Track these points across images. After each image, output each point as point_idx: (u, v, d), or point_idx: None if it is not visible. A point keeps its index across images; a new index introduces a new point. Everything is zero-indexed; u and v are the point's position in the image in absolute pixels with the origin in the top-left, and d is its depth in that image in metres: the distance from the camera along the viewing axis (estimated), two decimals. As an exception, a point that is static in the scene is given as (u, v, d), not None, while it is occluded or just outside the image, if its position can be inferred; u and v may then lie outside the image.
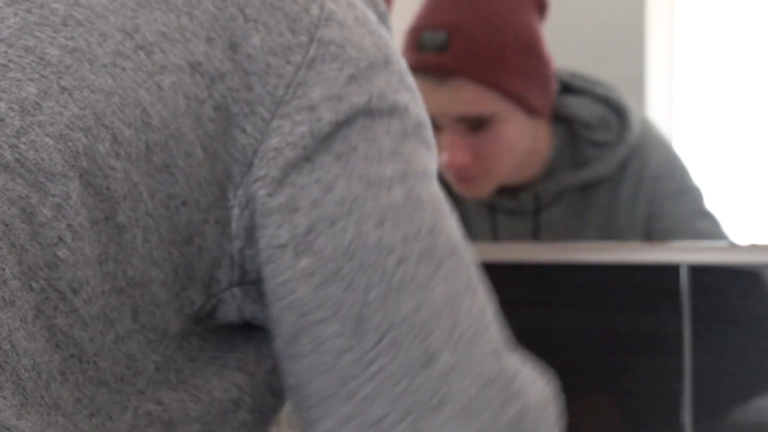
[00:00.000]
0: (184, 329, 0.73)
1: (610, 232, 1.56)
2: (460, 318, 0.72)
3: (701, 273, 1.46)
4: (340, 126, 0.72)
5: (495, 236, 1.60)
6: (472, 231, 1.56)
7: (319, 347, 0.72)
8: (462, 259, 0.75)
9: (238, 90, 0.71)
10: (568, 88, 1.58)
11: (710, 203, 1.65)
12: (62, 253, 0.65)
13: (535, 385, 0.75)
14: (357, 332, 0.71)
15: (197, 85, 0.70)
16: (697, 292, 1.46)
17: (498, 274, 1.72)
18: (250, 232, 0.73)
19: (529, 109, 1.49)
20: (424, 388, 0.70)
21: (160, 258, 0.70)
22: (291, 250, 0.71)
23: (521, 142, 1.51)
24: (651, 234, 1.56)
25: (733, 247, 1.60)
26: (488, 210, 1.61)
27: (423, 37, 1.45)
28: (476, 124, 1.47)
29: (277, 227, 0.71)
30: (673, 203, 1.55)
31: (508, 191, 1.59)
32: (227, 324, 0.76)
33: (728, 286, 1.47)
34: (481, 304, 0.75)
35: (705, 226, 1.59)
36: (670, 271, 1.46)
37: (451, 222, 0.76)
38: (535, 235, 1.58)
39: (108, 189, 0.67)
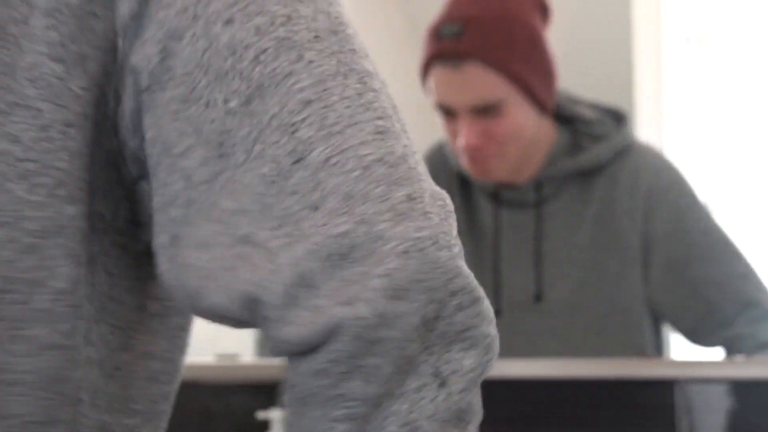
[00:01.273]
0: (104, 246, 0.68)
1: (607, 224, 1.68)
2: (332, 105, 0.63)
3: (696, 388, 1.44)
4: None
5: (498, 229, 1.73)
6: (477, 226, 1.73)
7: (188, 181, 0.64)
8: (330, 42, 0.65)
9: None
10: (574, 100, 1.76)
11: (702, 194, 1.77)
12: None
13: (428, 177, 0.65)
14: (224, 153, 0.63)
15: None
16: (693, 408, 1.43)
17: (488, 390, 1.69)
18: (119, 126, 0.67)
19: (534, 99, 1.64)
20: (300, 186, 0.62)
21: (75, 194, 0.66)
22: (157, 89, 0.65)
23: (527, 129, 1.66)
24: (652, 223, 1.66)
25: (729, 361, 1.57)
26: (492, 204, 1.74)
27: (441, 29, 1.63)
28: (487, 110, 1.62)
29: (139, 74, 0.65)
30: (672, 193, 1.66)
31: (512, 183, 1.74)
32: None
33: (724, 401, 1.44)
34: (359, 85, 0.65)
35: (704, 213, 1.70)
36: (664, 386, 1.44)
37: (316, 5, 0.67)
38: (538, 225, 1.70)
39: None
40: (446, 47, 1.62)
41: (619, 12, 2.75)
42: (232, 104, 0.63)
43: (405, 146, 0.64)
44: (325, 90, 0.63)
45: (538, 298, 1.67)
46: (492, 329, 0.63)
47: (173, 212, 0.65)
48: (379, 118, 0.64)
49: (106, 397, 0.69)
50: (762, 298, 1.64)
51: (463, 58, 1.61)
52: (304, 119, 0.62)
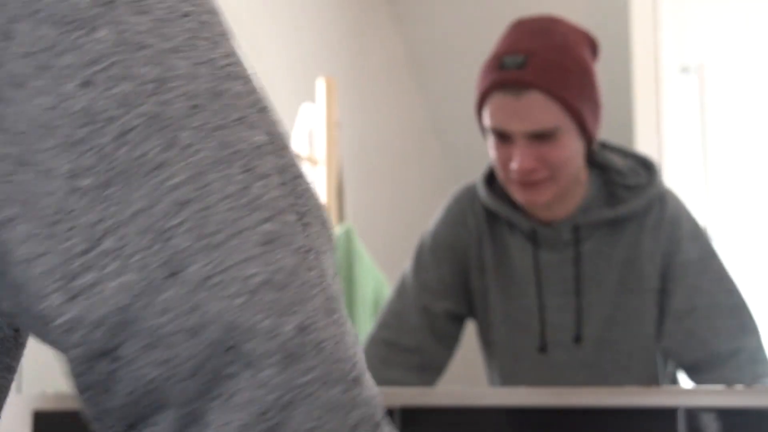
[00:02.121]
0: None
1: (633, 266, 1.78)
2: (212, 207, 0.53)
3: (698, 416, 1.43)
4: None
5: (539, 269, 1.81)
6: (509, 264, 1.82)
7: (6, 257, 0.53)
8: (212, 112, 0.55)
9: None
10: (605, 146, 1.86)
11: (716, 243, 1.87)
12: None
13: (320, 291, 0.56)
14: (56, 233, 0.52)
15: None
16: (695, 437, 1.43)
17: (493, 419, 1.69)
18: None
19: (584, 128, 1.74)
20: (172, 305, 0.52)
21: None
22: None
23: (576, 159, 1.77)
24: (669, 268, 1.77)
25: (730, 390, 1.57)
26: (530, 244, 1.82)
27: (504, 59, 1.74)
28: (542, 137, 1.72)
29: None
30: (688, 243, 1.77)
31: (548, 223, 1.82)
32: None
33: (726, 429, 1.44)
34: (244, 174, 0.55)
35: (716, 264, 1.79)
36: (667, 415, 1.43)
37: (196, 53, 0.56)
38: (577, 263, 1.80)
39: None
40: (509, 77, 1.72)
41: (617, 42, 2.76)
42: (84, 182, 0.53)
43: (298, 248, 0.55)
44: (204, 186, 0.54)
45: (577, 339, 1.78)
46: None
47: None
48: (267, 219, 0.54)
49: None
50: (752, 343, 1.74)
51: (525, 87, 1.71)
52: (179, 224, 0.53)
